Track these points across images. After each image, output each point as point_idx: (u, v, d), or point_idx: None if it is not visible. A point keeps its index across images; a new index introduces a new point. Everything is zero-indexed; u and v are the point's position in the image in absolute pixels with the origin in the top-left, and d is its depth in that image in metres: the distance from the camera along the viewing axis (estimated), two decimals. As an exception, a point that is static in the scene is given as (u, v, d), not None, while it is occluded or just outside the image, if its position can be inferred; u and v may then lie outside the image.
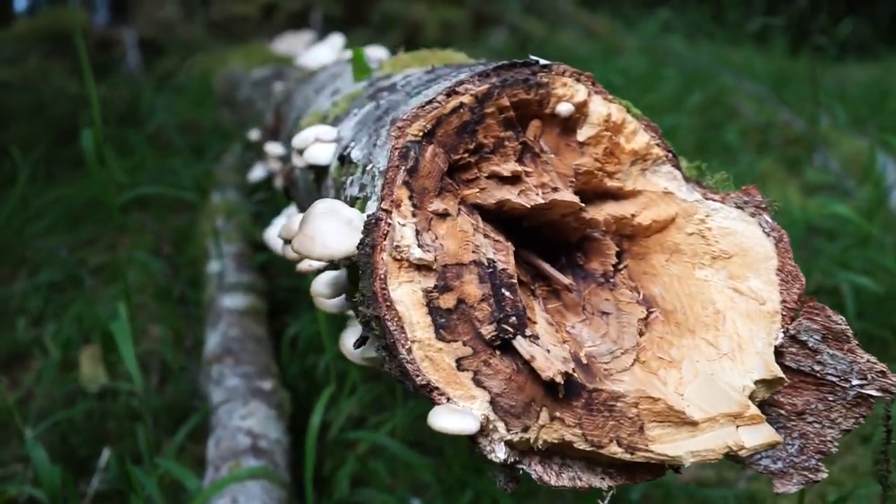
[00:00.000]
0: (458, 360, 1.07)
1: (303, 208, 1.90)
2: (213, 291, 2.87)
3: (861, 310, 2.71)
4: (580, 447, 1.07)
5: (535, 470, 1.10)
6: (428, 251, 1.09)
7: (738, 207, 1.22)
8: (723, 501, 2.20)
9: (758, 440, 1.06)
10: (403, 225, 1.11)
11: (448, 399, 1.06)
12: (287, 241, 1.39)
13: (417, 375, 1.06)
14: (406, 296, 1.08)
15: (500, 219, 1.24)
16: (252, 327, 2.67)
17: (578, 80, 1.26)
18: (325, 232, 1.15)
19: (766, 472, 1.17)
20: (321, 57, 2.45)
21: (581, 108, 1.26)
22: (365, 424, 2.63)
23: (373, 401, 2.67)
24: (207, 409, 2.43)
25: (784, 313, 1.15)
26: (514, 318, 1.09)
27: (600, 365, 1.14)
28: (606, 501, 1.13)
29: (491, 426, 1.06)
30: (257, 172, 2.86)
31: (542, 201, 1.19)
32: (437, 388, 1.06)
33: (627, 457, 1.06)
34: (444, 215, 1.15)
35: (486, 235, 1.17)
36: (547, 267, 1.23)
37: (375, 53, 2.53)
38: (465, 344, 1.07)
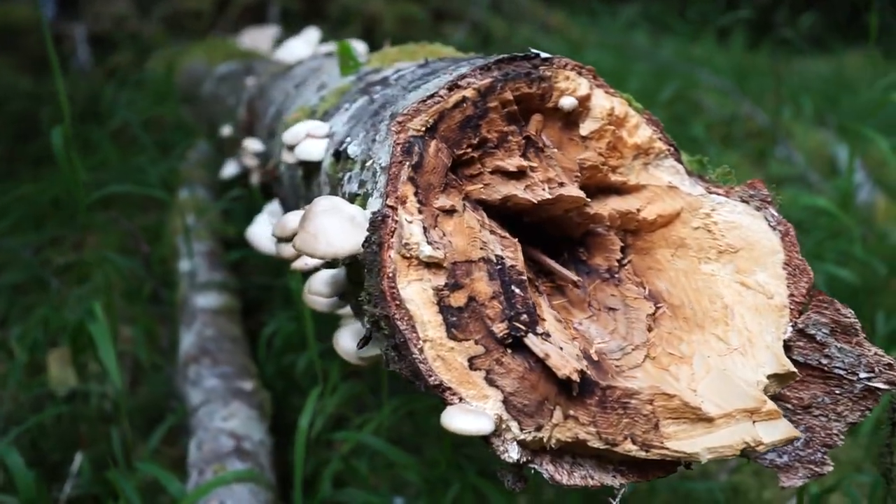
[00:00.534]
0: (471, 359, 1.05)
1: (288, 205, 1.86)
2: (186, 290, 2.81)
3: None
4: (594, 445, 1.06)
5: (547, 469, 1.09)
6: (437, 248, 1.07)
7: (744, 201, 1.22)
8: (707, 494, 2.21)
9: (775, 436, 1.05)
10: (410, 222, 1.08)
11: (460, 399, 1.04)
12: (281, 240, 1.36)
13: (430, 375, 1.03)
14: (416, 294, 1.05)
15: (502, 214, 1.22)
16: (227, 326, 2.62)
17: (580, 74, 1.25)
18: (328, 230, 1.12)
19: (772, 465, 1.17)
20: (297, 51, 2.41)
21: (584, 101, 1.24)
22: (344, 422, 2.60)
23: (352, 399, 2.65)
24: (185, 410, 2.38)
25: (792, 307, 1.15)
26: (525, 316, 1.07)
27: (611, 362, 1.12)
28: (618, 499, 1.12)
29: (504, 426, 1.05)
30: (229, 169, 2.80)
31: (549, 196, 1.17)
32: (449, 388, 1.04)
33: (642, 454, 1.05)
34: (450, 212, 1.13)
35: (492, 232, 1.15)
36: (552, 263, 1.22)
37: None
38: (476, 342, 1.05)
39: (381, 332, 1.09)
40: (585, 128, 1.25)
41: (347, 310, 1.55)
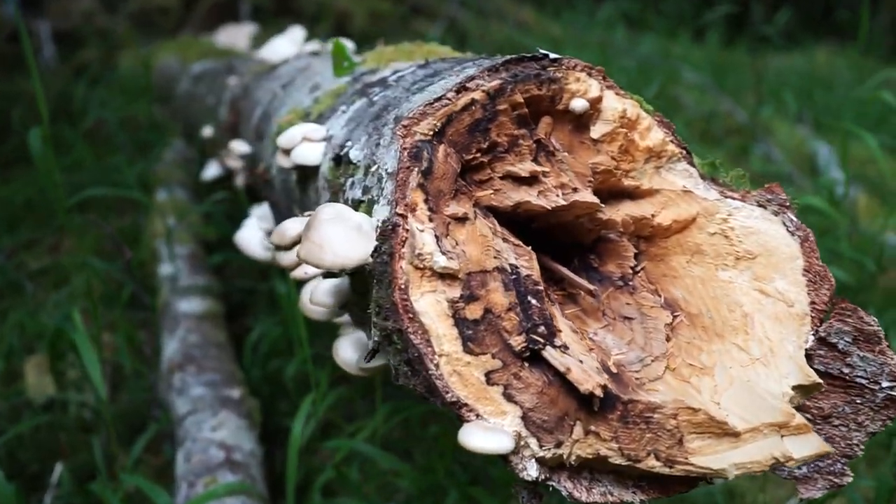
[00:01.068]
0: (488, 374, 1.01)
1: (279, 209, 1.81)
2: (168, 295, 2.74)
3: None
4: (616, 462, 1.02)
5: (566, 486, 1.05)
6: (452, 259, 1.02)
7: (761, 206, 1.18)
8: (705, 497, 2.18)
9: (806, 451, 1.02)
10: (422, 231, 1.04)
11: (477, 416, 1.00)
12: (279, 248, 1.31)
13: (447, 392, 0.99)
14: (430, 307, 1.01)
15: (509, 221, 1.18)
16: (212, 332, 2.55)
17: (590, 75, 1.21)
18: (333, 239, 1.08)
19: (790, 476, 1.14)
20: (282, 50, 2.35)
21: (595, 103, 1.20)
22: (332, 429, 2.55)
23: (340, 405, 2.60)
24: (169, 419, 2.32)
25: (813, 315, 1.12)
26: (542, 328, 1.03)
27: (631, 374, 1.09)
28: (638, 516, 1.08)
29: (522, 443, 1.01)
30: (211, 170, 2.74)
31: (564, 203, 1.13)
32: (466, 405, 1.00)
33: (666, 471, 1.02)
34: (462, 219, 1.08)
35: (504, 240, 1.11)
36: (567, 272, 1.17)
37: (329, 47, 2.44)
38: (493, 356, 1.01)
39: (392, 346, 1.04)
40: (597, 131, 1.21)
41: (345, 318, 1.50)
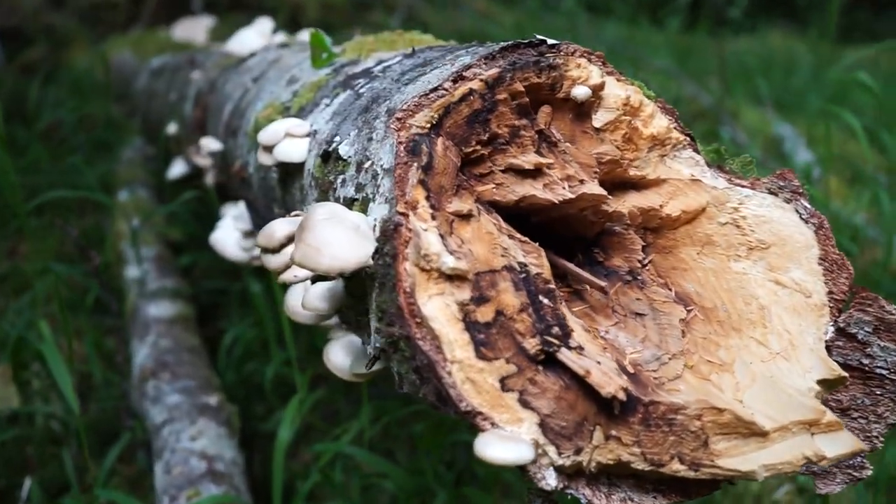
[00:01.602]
0: (502, 380, 0.95)
1: (257, 209, 1.73)
2: (136, 299, 2.65)
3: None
4: (638, 467, 0.97)
5: (584, 494, 0.99)
6: (460, 259, 0.96)
7: (772, 193, 1.14)
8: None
9: (839, 449, 0.97)
10: (426, 230, 0.97)
11: (493, 424, 0.94)
12: (266, 251, 1.24)
13: (461, 401, 0.93)
14: (439, 311, 0.94)
15: (508, 216, 1.12)
16: (184, 336, 2.47)
17: (590, 61, 1.15)
18: (331, 241, 1.01)
19: (808, 471, 1.10)
20: (250, 42, 2.27)
21: (596, 91, 1.15)
22: (311, 432, 2.49)
23: (319, 407, 2.53)
24: (144, 428, 2.23)
25: (831, 305, 1.08)
26: (556, 329, 0.98)
27: (648, 373, 1.03)
28: (659, 522, 1.03)
29: (540, 451, 0.95)
30: (177, 169, 2.64)
31: (572, 196, 1.08)
32: (481, 413, 0.94)
33: (691, 474, 0.97)
34: (466, 216, 1.02)
35: (510, 236, 1.05)
36: (576, 269, 1.12)
37: (303, 36, 2.36)
38: (507, 361, 0.95)
39: (398, 353, 0.98)
40: (599, 119, 1.16)
41: (333, 321, 1.44)
